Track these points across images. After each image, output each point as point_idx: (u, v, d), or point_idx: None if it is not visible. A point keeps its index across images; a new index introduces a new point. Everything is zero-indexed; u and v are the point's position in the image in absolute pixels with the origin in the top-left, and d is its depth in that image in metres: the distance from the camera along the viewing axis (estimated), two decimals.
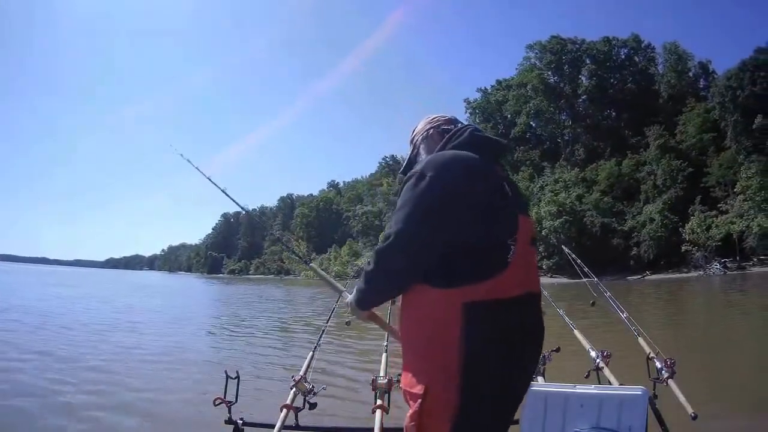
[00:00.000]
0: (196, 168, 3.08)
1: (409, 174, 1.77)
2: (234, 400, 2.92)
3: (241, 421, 2.91)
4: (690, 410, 2.74)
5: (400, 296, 1.82)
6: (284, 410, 2.81)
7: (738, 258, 47.49)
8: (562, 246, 6.28)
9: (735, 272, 45.09)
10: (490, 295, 1.64)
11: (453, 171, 1.73)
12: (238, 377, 3.00)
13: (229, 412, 2.90)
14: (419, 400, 1.64)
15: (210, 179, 3.01)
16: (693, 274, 47.61)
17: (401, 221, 1.69)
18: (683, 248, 50.00)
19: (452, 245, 1.67)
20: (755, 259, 46.58)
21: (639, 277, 47.90)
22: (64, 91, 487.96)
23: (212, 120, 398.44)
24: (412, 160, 2.15)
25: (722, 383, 7.72)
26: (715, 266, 46.93)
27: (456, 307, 1.62)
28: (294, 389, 2.94)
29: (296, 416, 2.91)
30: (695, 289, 34.03)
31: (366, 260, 1.88)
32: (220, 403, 2.85)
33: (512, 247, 1.71)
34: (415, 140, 2.16)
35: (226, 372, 2.98)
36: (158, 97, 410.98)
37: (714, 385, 7.44)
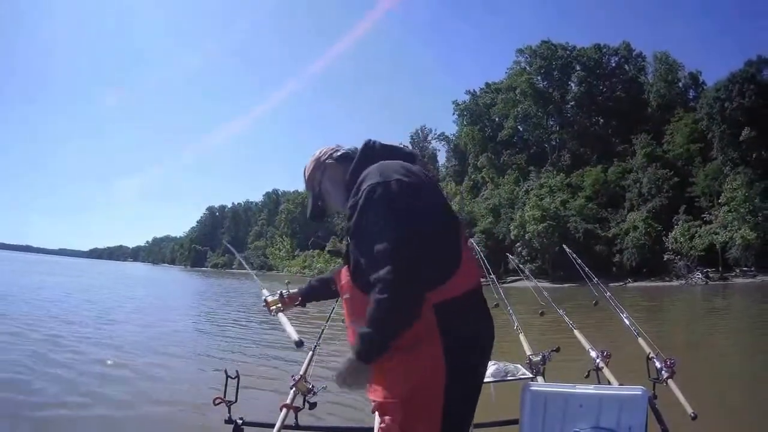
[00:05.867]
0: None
1: (366, 187, 1.67)
2: (234, 399, 2.89)
3: (240, 421, 2.87)
4: (690, 410, 2.76)
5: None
6: (284, 410, 2.82)
7: (720, 269, 48.13)
8: (563, 245, 6.24)
9: (717, 282, 45.71)
10: (456, 291, 1.69)
11: (410, 173, 1.73)
12: (237, 377, 2.96)
13: (229, 411, 2.87)
14: (405, 403, 1.66)
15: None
16: (675, 283, 48.08)
17: (391, 237, 1.57)
18: (666, 257, 50.49)
19: (428, 249, 1.65)
20: (737, 270, 47.28)
21: (621, 284, 48.12)
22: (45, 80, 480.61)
23: (194, 107, 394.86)
24: (322, 199, 2.07)
25: (720, 384, 7.80)
26: (697, 276, 47.48)
27: (429, 309, 1.63)
28: (294, 389, 2.94)
29: (296, 416, 2.91)
30: (679, 297, 34.47)
31: (373, 295, 1.56)
32: (219, 403, 2.82)
33: (460, 242, 1.80)
34: (314, 180, 2.06)
35: (225, 371, 2.94)
36: (138, 82, 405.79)
37: (713, 385, 7.50)
